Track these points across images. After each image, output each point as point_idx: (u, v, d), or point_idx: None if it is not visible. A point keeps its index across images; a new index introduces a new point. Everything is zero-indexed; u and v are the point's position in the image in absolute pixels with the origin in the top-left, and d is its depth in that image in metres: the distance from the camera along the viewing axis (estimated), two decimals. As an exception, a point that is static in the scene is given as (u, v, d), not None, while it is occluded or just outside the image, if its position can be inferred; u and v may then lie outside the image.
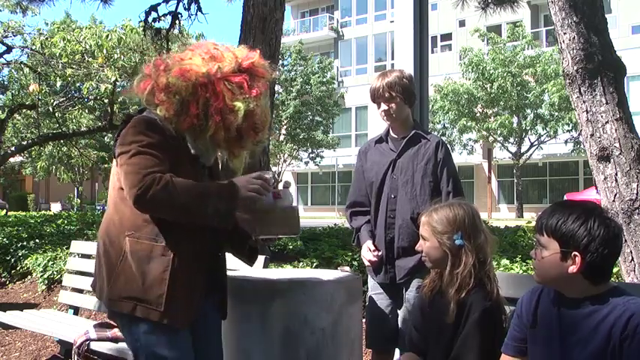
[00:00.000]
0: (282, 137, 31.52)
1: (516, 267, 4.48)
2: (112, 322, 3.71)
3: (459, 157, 28.34)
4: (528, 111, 27.82)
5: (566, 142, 27.64)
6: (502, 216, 27.90)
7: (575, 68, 3.52)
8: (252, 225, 2.33)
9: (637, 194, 3.36)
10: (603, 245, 1.81)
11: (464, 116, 28.08)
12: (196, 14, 7.28)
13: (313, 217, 25.53)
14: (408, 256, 2.95)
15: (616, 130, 3.43)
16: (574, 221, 1.84)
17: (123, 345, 3.55)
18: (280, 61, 28.74)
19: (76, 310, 4.84)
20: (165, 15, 7.70)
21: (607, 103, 3.46)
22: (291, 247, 5.74)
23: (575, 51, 3.51)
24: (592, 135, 3.50)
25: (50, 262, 6.36)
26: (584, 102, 3.52)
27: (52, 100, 15.05)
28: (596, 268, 1.84)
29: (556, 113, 26.66)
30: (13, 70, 15.79)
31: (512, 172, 30.15)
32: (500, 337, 2.15)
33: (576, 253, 1.82)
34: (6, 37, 12.14)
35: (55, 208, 31.60)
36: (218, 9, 59.26)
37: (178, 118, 2.20)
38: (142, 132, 2.17)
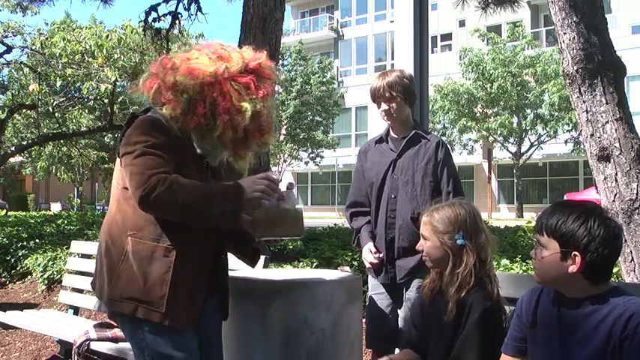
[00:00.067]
0: (282, 137, 31.52)
1: (516, 267, 4.48)
2: (112, 322, 3.71)
3: (459, 157, 28.34)
4: (528, 111, 27.83)
5: (566, 142, 27.65)
6: (502, 216, 27.90)
7: (575, 68, 3.52)
8: (255, 226, 2.32)
9: (637, 194, 3.36)
10: (603, 245, 1.81)
11: (464, 116, 28.08)
12: (196, 14, 7.29)
13: (313, 217, 25.50)
14: (409, 256, 2.95)
15: (616, 130, 3.43)
16: (574, 221, 1.84)
17: (123, 345, 3.55)
18: (280, 61, 28.75)
19: (76, 310, 4.84)
20: (165, 15, 7.70)
21: (607, 103, 3.46)
22: (291, 247, 5.73)
23: (575, 51, 3.51)
24: (592, 135, 3.50)
25: (50, 262, 6.36)
26: (584, 102, 3.53)
27: (52, 100, 15.05)
28: (596, 268, 1.84)
29: (556, 113, 26.66)
30: (13, 70, 15.78)
31: (512, 172, 30.15)
32: (501, 337, 2.15)
33: (576, 253, 1.82)
34: (6, 37, 12.14)
35: (55, 208, 31.60)
36: (218, 9, 59.32)
37: (185, 117, 2.19)
38: (147, 132, 2.16)
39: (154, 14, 7.64)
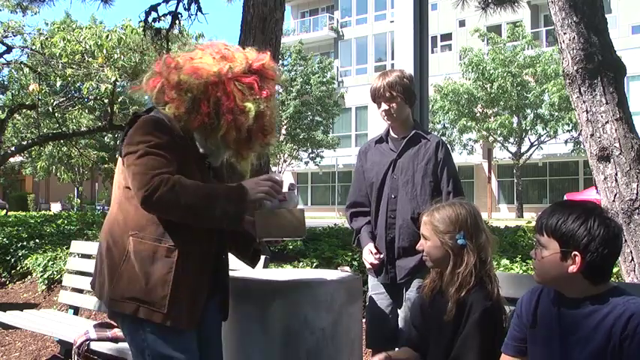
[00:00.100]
0: (282, 137, 31.51)
1: (516, 267, 4.48)
2: (112, 322, 3.71)
3: (459, 157, 28.34)
4: (528, 111, 27.83)
5: (566, 142, 27.65)
6: (502, 216, 27.90)
7: (575, 68, 3.52)
8: (257, 227, 2.32)
9: (637, 194, 3.36)
10: (603, 245, 1.81)
11: (464, 116, 28.08)
12: (196, 14, 7.29)
13: (313, 217, 25.51)
14: (409, 256, 2.95)
15: (616, 130, 3.43)
16: (574, 221, 1.84)
17: (123, 345, 3.55)
18: (280, 61, 28.71)
19: (76, 310, 4.84)
20: (165, 15, 7.70)
21: (607, 103, 3.46)
22: (291, 247, 5.73)
23: (575, 51, 3.51)
24: (592, 135, 3.50)
25: (50, 262, 6.36)
26: (584, 102, 3.52)
27: (52, 100, 15.04)
28: (596, 267, 1.84)
29: (556, 113, 26.66)
30: (13, 70, 15.78)
31: (512, 172, 30.15)
32: (501, 337, 2.15)
33: (576, 252, 1.82)
34: (6, 37, 12.14)
35: (55, 208, 31.60)
36: (218, 9, 59.36)
37: (189, 116, 2.19)
38: (149, 132, 2.16)
39: (154, 14, 7.65)
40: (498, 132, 27.85)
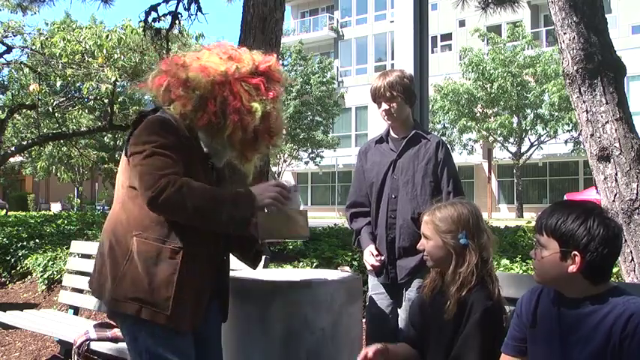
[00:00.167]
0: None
1: (516, 267, 4.48)
2: (112, 322, 3.71)
3: (459, 157, 28.34)
4: (528, 111, 27.83)
5: (566, 142, 27.65)
6: (502, 216, 27.90)
7: (575, 68, 3.52)
8: (260, 228, 2.31)
9: (637, 194, 3.36)
10: (603, 245, 1.81)
11: (464, 116, 28.08)
12: (196, 14, 7.30)
13: (313, 217, 25.49)
14: (409, 256, 2.95)
15: (616, 130, 3.43)
16: (574, 221, 1.84)
17: (123, 345, 3.53)
18: (280, 61, 28.68)
19: (76, 310, 4.84)
20: (165, 15, 7.71)
21: (607, 103, 3.46)
22: (291, 247, 5.74)
23: (575, 51, 3.52)
24: (592, 135, 3.50)
25: (50, 262, 6.36)
26: (584, 102, 3.53)
27: (52, 100, 15.05)
28: (596, 267, 1.84)
29: (556, 113, 26.66)
30: (13, 70, 15.78)
31: (512, 172, 30.15)
32: (501, 337, 2.15)
33: (576, 252, 1.82)
34: (6, 37, 12.14)
35: (55, 208, 31.59)
36: (218, 9, 59.30)
37: (195, 114, 2.18)
38: (156, 132, 2.15)
39: (153, 14, 7.66)
40: (498, 132, 27.86)
